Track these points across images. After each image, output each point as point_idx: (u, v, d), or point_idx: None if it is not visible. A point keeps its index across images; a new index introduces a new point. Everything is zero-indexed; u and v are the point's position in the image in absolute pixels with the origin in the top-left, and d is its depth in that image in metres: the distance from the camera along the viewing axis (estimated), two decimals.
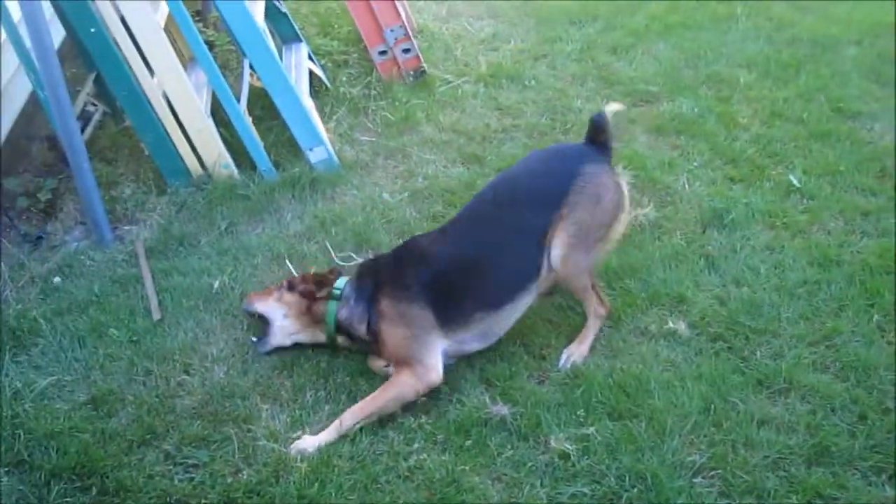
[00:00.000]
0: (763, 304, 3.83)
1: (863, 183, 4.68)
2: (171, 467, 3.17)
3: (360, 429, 3.27)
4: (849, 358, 3.53)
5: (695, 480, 3.05)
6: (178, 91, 4.70)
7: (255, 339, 3.72)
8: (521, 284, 3.51)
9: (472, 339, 3.52)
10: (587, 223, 3.52)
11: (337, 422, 3.26)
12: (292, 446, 3.20)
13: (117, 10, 4.57)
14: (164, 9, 5.04)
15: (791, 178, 4.74)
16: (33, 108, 5.46)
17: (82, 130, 4.98)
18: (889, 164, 4.82)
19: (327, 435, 3.22)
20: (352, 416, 3.27)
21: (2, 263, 4.34)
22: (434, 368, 3.38)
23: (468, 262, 3.51)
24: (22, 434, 3.23)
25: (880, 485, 3.02)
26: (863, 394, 3.37)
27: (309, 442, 3.20)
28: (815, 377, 3.45)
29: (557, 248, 3.50)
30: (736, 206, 4.47)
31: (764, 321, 3.74)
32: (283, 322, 3.65)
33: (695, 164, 4.93)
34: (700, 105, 5.53)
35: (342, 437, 3.23)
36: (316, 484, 3.04)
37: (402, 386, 3.33)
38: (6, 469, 3.12)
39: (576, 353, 3.59)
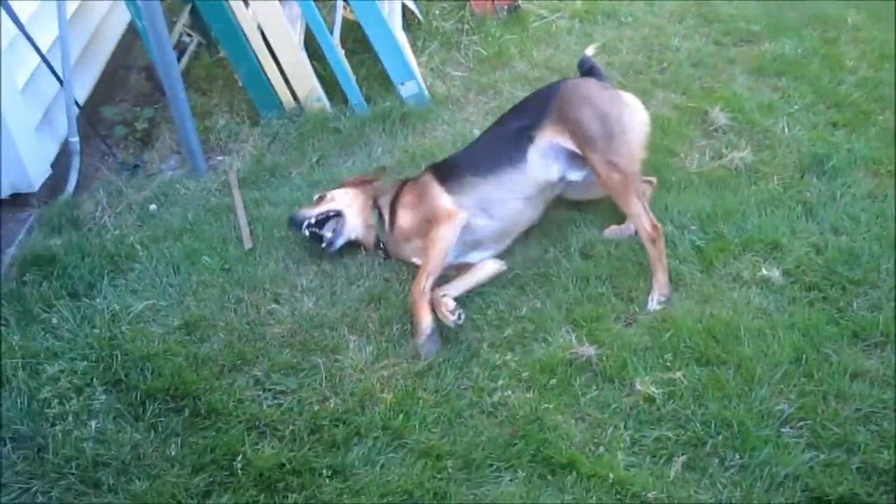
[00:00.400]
0: (862, 254, 3.70)
1: None
2: (260, 393, 3.25)
3: (445, 361, 3.31)
4: None
5: (782, 430, 3.00)
6: (272, 23, 4.71)
7: (328, 235, 3.86)
8: (503, 161, 3.76)
9: (474, 208, 3.71)
10: (584, 121, 3.65)
11: (415, 311, 3.44)
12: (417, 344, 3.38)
13: None
14: None
15: None
16: (131, 38, 5.57)
17: (178, 60, 5.05)
18: None
19: (422, 321, 3.41)
20: (417, 289, 3.46)
21: (100, 190, 4.47)
22: (451, 208, 3.67)
23: (466, 151, 4.00)
24: (119, 355, 3.35)
25: None
26: None
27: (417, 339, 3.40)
28: None
29: (577, 151, 3.68)
30: (838, 151, 4.31)
31: (862, 272, 3.61)
32: (351, 210, 3.92)
33: (796, 107, 4.75)
34: (804, 46, 5.32)
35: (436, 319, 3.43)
36: (401, 415, 3.09)
37: (437, 237, 3.59)
38: (104, 388, 3.25)
39: (656, 290, 3.56)
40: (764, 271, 3.65)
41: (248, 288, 3.73)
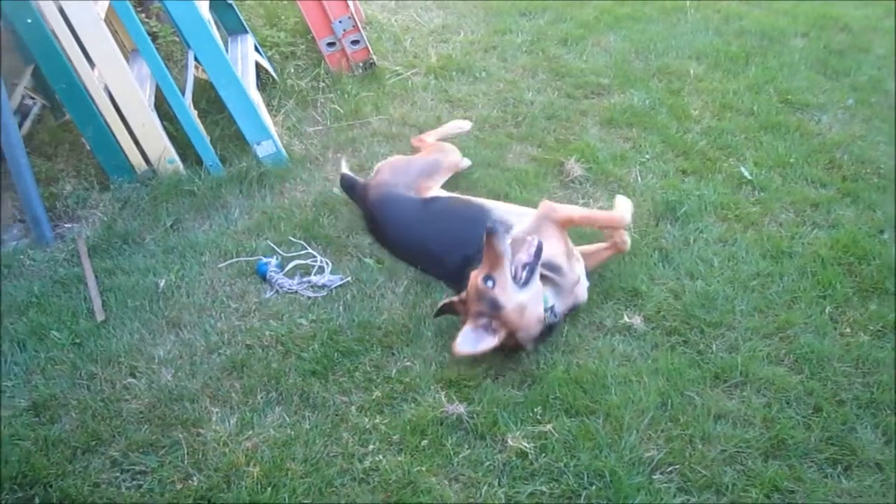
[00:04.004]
0: (717, 297, 3.82)
1: (812, 174, 4.69)
2: (117, 474, 3.10)
3: (313, 429, 3.22)
4: (802, 350, 3.54)
5: (653, 476, 3.04)
6: (119, 84, 4.57)
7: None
8: None
9: None
10: None
11: None
12: None
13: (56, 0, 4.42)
14: None
15: (742, 170, 4.74)
16: None
17: (20, 125, 4.85)
18: (837, 156, 4.85)
19: None
20: None
21: None
22: None
23: None
24: None
25: (836, 476, 3.04)
26: (817, 385, 3.38)
27: None
28: (770, 370, 3.46)
29: None
30: (689, 198, 4.46)
31: (718, 314, 3.74)
32: None
33: (647, 156, 4.91)
34: (651, 97, 5.52)
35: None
36: (269, 489, 2.99)
37: None
38: None
39: None
40: (626, 318, 3.72)
41: (102, 362, 3.56)
